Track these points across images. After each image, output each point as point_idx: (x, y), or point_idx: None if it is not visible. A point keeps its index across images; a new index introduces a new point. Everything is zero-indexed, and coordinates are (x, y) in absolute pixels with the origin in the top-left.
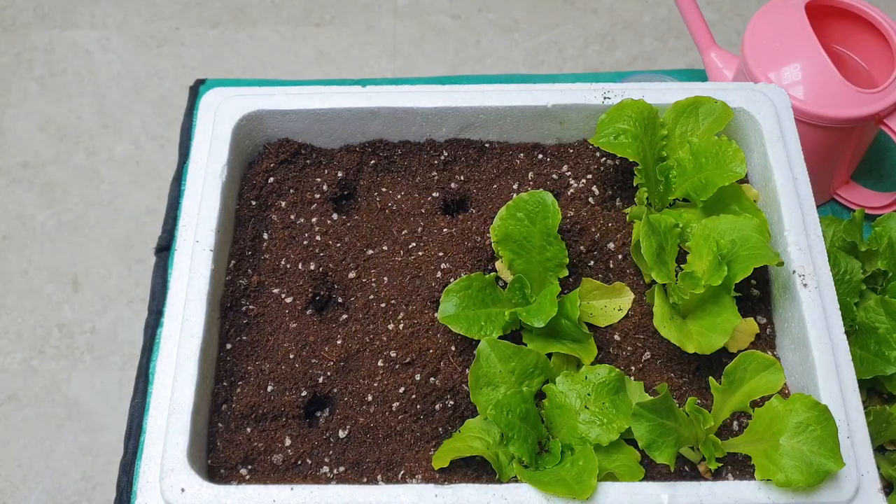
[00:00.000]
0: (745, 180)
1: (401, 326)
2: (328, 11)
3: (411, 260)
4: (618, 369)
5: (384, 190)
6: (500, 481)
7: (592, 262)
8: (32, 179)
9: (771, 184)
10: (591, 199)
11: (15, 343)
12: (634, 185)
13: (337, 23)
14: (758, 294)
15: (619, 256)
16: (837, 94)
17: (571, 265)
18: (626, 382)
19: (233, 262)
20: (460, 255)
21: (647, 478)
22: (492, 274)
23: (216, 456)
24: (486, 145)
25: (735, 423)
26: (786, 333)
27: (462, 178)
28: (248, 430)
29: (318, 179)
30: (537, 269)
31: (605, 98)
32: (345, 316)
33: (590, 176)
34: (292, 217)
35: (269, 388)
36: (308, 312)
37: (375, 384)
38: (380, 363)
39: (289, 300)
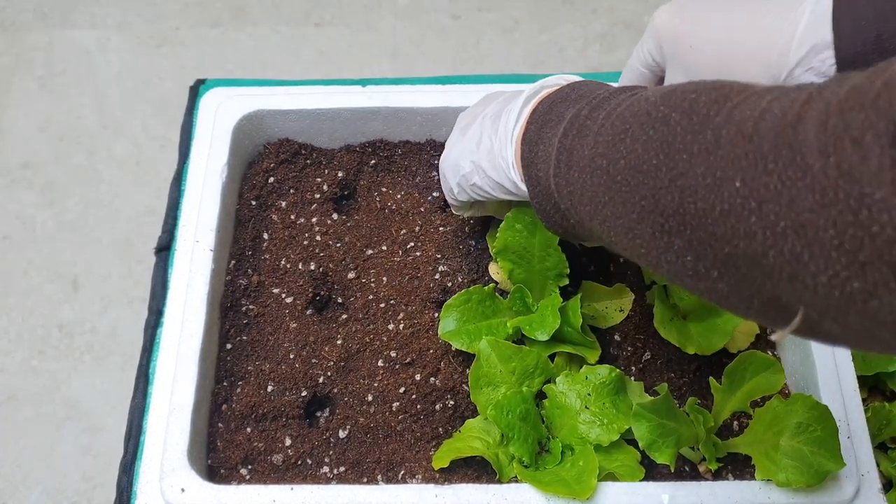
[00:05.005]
0: None
1: (401, 326)
2: (328, 11)
3: (409, 260)
4: (618, 369)
5: (384, 190)
6: (500, 481)
7: (593, 267)
8: (32, 179)
9: None
10: None
11: (15, 343)
12: None
13: (337, 23)
14: None
15: (620, 259)
16: None
17: (571, 269)
18: (627, 383)
19: (233, 262)
20: (458, 258)
21: (647, 478)
22: (490, 286)
23: (216, 456)
24: None
25: (735, 423)
26: None
27: None
28: (248, 430)
29: (319, 179)
30: (537, 278)
31: None
32: (345, 316)
33: None
34: (292, 217)
35: (269, 388)
36: (308, 312)
37: (375, 384)
38: (380, 363)
39: (289, 300)
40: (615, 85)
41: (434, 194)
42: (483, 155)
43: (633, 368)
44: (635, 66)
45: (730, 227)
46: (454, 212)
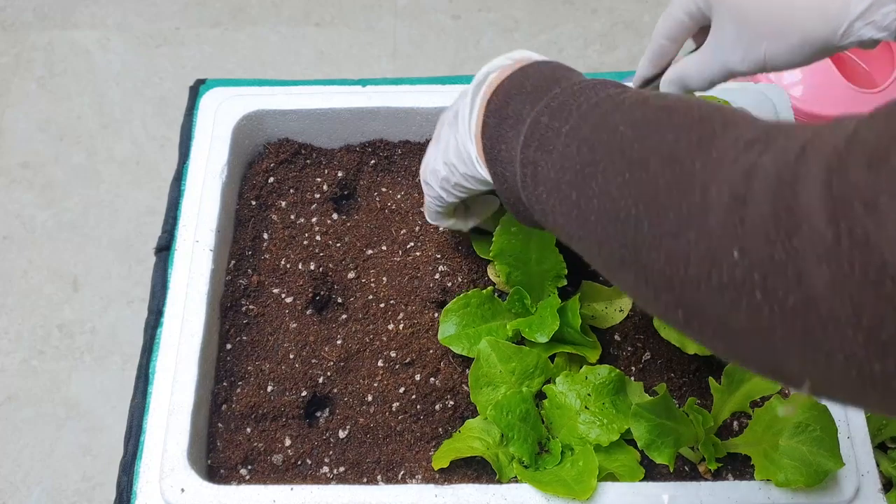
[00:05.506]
0: None
1: (401, 326)
2: (328, 11)
3: (409, 260)
4: (618, 370)
5: (384, 190)
6: (500, 481)
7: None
8: (32, 179)
9: None
10: None
11: (15, 343)
12: None
13: (337, 23)
14: None
15: None
16: (837, 94)
17: (571, 268)
18: (626, 383)
19: (233, 262)
20: (458, 259)
21: (647, 478)
22: (489, 288)
23: (216, 456)
24: None
25: (735, 423)
26: None
27: None
28: (248, 430)
29: (318, 179)
30: (536, 279)
31: None
32: (344, 316)
33: None
34: (292, 217)
35: (269, 388)
36: (308, 312)
37: (375, 384)
38: (380, 363)
39: (289, 300)
40: (577, 77)
41: None
42: (451, 153)
43: (633, 368)
44: (676, 14)
45: (729, 300)
46: (431, 220)
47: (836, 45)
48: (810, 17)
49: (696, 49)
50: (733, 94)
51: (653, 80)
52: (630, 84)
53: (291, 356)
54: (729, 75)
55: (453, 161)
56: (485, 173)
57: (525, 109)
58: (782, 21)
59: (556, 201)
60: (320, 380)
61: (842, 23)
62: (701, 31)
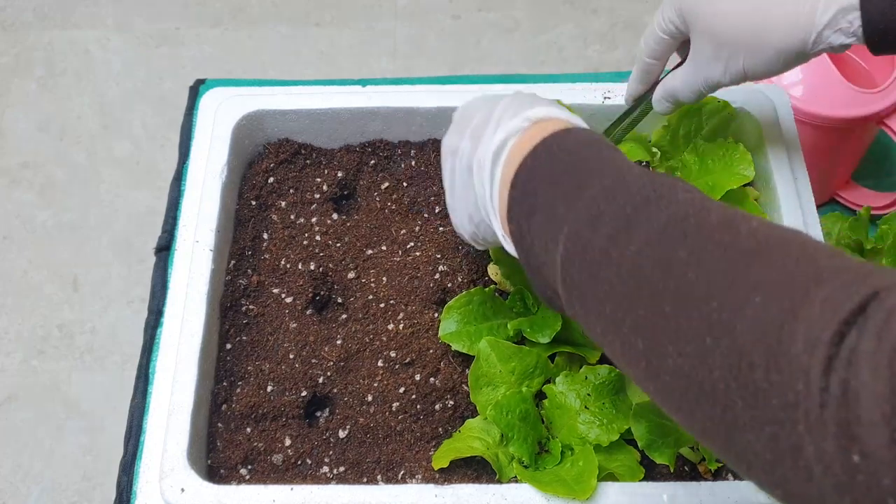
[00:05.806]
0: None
1: (401, 326)
2: (328, 11)
3: (409, 260)
4: (618, 370)
5: (384, 190)
6: (500, 481)
7: None
8: (32, 179)
9: (771, 184)
10: None
11: (15, 343)
12: None
13: (337, 23)
14: None
15: None
16: (837, 94)
17: None
18: (626, 383)
19: (233, 262)
20: (458, 259)
21: (647, 478)
22: (491, 287)
23: (216, 456)
24: None
25: None
26: None
27: None
28: (248, 430)
29: (318, 179)
30: None
31: (605, 98)
32: (344, 316)
33: None
34: (292, 217)
35: (269, 388)
36: (308, 312)
37: (375, 384)
38: (380, 363)
39: (289, 300)
40: (609, 165)
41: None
42: (473, 212)
43: None
44: (656, 35)
45: None
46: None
47: (808, 53)
48: (780, 33)
49: (681, 63)
50: (733, 93)
51: (643, 97)
52: (623, 96)
53: (291, 356)
54: (715, 87)
55: (477, 223)
56: (511, 250)
57: (558, 208)
58: (755, 39)
59: (616, 341)
60: (320, 380)
61: (811, 33)
62: (684, 44)
